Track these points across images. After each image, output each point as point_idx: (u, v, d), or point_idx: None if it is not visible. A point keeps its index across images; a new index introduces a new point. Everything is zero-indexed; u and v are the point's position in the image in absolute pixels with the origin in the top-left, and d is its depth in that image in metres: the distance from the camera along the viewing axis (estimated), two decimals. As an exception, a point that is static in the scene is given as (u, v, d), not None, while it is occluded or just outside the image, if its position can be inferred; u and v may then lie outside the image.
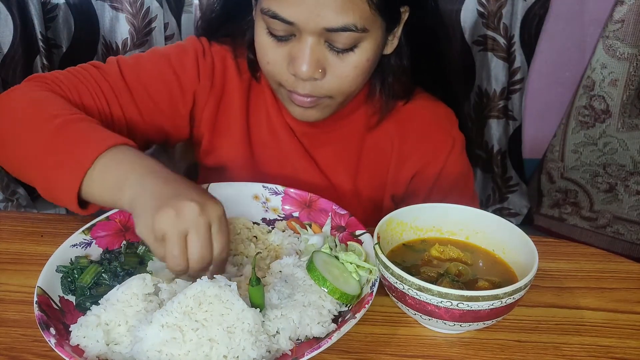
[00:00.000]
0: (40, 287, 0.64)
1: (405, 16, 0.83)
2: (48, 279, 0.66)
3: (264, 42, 0.79)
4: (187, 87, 0.91)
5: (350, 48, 0.77)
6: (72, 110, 0.76)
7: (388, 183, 0.97)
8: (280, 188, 0.84)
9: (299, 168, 0.95)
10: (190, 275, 0.64)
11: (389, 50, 0.85)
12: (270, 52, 0.80)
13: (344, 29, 0.74)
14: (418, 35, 0.86)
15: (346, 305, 0.67)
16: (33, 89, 0.81)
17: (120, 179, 0.67)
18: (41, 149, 0.71)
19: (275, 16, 0.74)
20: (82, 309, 0.65)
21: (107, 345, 0.60)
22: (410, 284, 0.60)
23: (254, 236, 0.79)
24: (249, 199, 0.84)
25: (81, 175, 0.67)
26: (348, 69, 0.79)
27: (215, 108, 0.94)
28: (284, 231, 0.81)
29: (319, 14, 0.72)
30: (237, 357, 0.57)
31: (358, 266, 0.69)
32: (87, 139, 0.71)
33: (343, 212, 0.79)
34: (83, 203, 0.70)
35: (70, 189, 0.68)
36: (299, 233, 0.81)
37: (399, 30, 0.84)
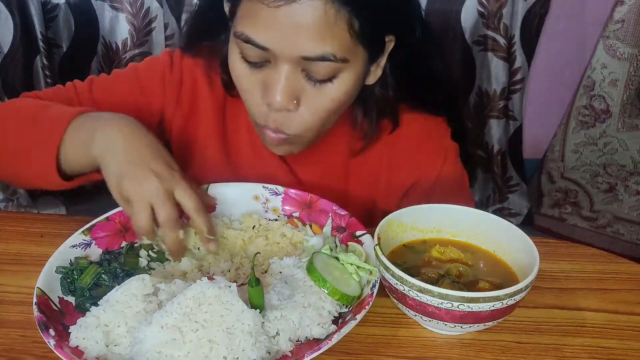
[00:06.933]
0: (39, 288, 0.64)
1: (390, 46, 0.77)
2: (47, 280, 0.66)
3: (237, 68, 0.75)
4: (152, 101, 0.90)
5: (329, 79, 0.72)
6: (39, 102, 0.81)
7: (378, 200, 0.94)
8: (280, 188, 0.84)
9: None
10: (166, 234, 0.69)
11: (371, 80, 0.79)
12: (244, 80, 0.75)
13: (322, 59, 0.68)
14: (406, 65, 0.81)
15: (346, 307, 0.66)
16: (9, 101, 0.87)
17: (88, 135, 0.72)
18: (15, 138, 0.78)
19: (248, 40, 0.69)
20: (82, 310, 0.65)
21: (107, 346, 0.59)
22: (411, 285, 0.60)
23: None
24: (249, 199, 0.84)
25: (57, 142, 0.72)
26: (324, 102, 0.73)
27: (183, 126, 0.92)
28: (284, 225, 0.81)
29: (295, 41, 0.67)
30: (237, 358, 0.57)
31: (358, 267, 0.69)
32: (55, 116, 0.76)
33: (343, 212, 0.79)
34: (67, 180, 0.76)
35: (48, 158, 0.73)
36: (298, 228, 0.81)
37: (383, 60, 0.78)
